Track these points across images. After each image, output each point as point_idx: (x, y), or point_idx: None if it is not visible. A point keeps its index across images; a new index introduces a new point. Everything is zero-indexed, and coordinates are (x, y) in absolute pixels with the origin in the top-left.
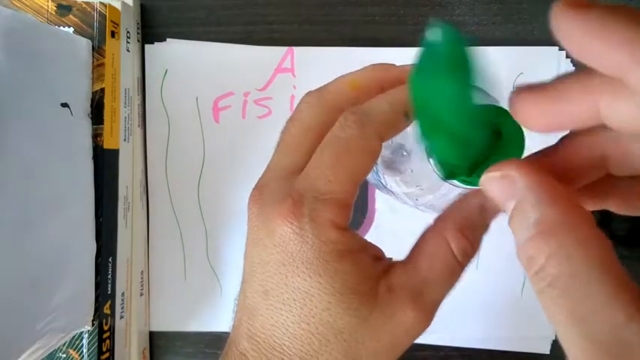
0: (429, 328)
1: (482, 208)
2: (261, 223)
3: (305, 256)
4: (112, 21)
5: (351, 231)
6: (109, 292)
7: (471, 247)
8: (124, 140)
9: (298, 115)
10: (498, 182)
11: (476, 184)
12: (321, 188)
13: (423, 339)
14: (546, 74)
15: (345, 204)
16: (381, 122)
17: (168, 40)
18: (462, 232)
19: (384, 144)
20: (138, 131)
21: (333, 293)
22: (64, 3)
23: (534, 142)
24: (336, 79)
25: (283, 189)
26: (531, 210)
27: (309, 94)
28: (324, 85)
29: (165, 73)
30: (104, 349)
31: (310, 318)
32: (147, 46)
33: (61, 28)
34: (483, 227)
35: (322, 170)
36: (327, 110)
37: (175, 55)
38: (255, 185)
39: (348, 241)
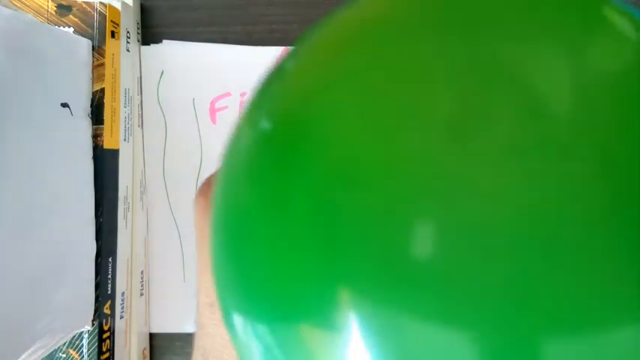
0: None
1: None
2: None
3: None
4: (112, 21)
5: None
6: (109, 292)
7: None
8: (124, 140)
9: None
10: None
11: None
12: None
13: None
14: None
15: None
16: None
17: (164, 41)
18: None
19: None
20: (138, 131)
21: None
22: (64, 3)
23: None
24: None
25: None
26: None
27: None
28: None
29: (162, 74)
30: (104, 349)
31: None
32: (143, 48)
33: (61, 28)
34: None
35: None
36: None
37: (171, 56)
38: (210, 175)
39: None
